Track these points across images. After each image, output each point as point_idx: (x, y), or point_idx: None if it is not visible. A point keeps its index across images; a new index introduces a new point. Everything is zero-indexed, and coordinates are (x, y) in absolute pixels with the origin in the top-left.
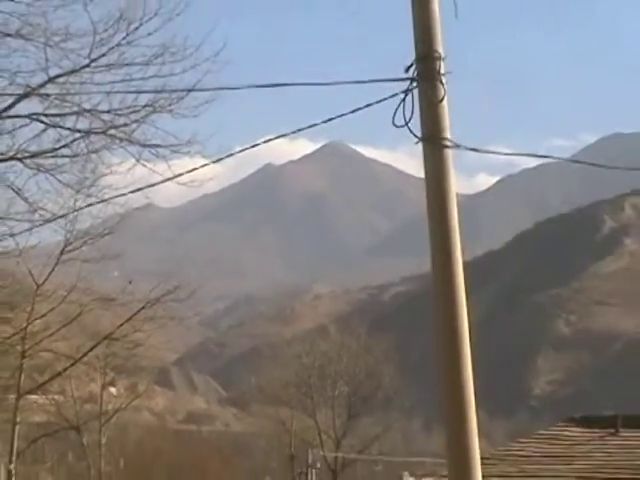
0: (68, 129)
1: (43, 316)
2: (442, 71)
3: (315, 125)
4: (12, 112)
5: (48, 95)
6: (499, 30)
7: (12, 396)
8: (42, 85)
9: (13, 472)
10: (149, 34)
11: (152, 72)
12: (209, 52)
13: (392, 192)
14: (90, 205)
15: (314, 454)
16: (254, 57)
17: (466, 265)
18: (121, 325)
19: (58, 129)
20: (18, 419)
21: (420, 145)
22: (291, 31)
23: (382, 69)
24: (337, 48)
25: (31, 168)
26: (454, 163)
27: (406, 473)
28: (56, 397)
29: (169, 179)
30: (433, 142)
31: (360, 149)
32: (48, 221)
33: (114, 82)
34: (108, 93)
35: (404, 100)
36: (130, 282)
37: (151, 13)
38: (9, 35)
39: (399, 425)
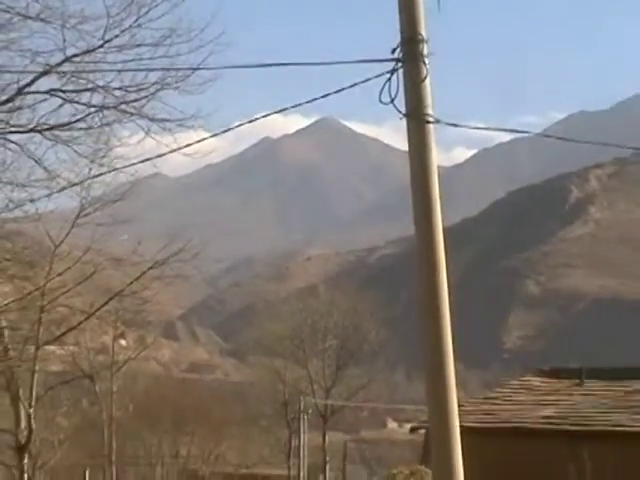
0: (83, 104)
1: (60, 274)
2: (425, 53)
3: (306, 102)
4: (32, 88)
5: (65, 73)
6: (486, 13)
7: (32, 347)
8: (60, 64)
9: (32, 415)
10: (158, 17)
11: (160, 52)
12: (212, 34)
13: (379, 164)
14: (103, 174)
15: (306, 401)
16: (253, 36)
17: (445, 231)
18: (131, 283)
19: (74, 104)
20: (37, 368)
21: (404, 121)
22: (290, 14)
23: (372, 48)
24: (331, 28)
25: (49, 140)
26: (435, 137)
27: (390, 419)
28: (71, 348)
29: (175, 150)
30: (416, 118)
31: (350, 124)
32: (64, 188)
33: (125, 61)
34: (120, 71)
35: (390, 79)
36: (139, 244)
37: (159, 4)
38: (30, 18)
39: (383, 375)
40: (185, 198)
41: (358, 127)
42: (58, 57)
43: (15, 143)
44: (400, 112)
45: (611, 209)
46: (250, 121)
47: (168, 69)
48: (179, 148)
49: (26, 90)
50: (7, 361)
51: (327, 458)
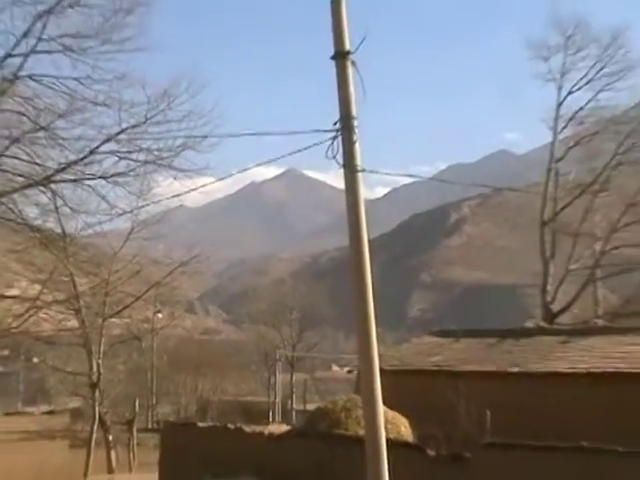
0: (133, 160)
1: (117, 272)
2: (355, 125)
3: (279, 158)
4: (100, 150)
5: (121, 140)
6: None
7: (100, 319)
8: (117, 134)
9: (100, 363)
10: (181, 103)
11: (183, 125)
12: (215, 114)
13: (328, 198)
14: (146, 205)
15: (280, 353)
16: (244, 107)
17: (369, 242)
18: (165, 277)
19: (127, 160)
20: (103, 333)
21: (342, 170)
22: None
23: (324, 118)
24: (294, 99)
25: (110, 183)
26: (362, 181)
27: (334, 364)
28: (126, 320)
29: (193, 190)
30: (349, 168)
31: (306, 172)
32: (121, 215)
33: (160, 132)
34: (156, 139)
35: (332, 142)
36: (170, 251)
37: (182, 91)
38: (98, 104)
39: (330, 335)
40: (199, 222)
41: (312, 174)
42: (116, 129)
43: (89, 186)
44: (339, 164)
45: (477, 227)
46: (240, 171)
47: (188, 137)
48: (196, 189)
49: (95, 151)
50: (84, 329)
51: (294, 390)
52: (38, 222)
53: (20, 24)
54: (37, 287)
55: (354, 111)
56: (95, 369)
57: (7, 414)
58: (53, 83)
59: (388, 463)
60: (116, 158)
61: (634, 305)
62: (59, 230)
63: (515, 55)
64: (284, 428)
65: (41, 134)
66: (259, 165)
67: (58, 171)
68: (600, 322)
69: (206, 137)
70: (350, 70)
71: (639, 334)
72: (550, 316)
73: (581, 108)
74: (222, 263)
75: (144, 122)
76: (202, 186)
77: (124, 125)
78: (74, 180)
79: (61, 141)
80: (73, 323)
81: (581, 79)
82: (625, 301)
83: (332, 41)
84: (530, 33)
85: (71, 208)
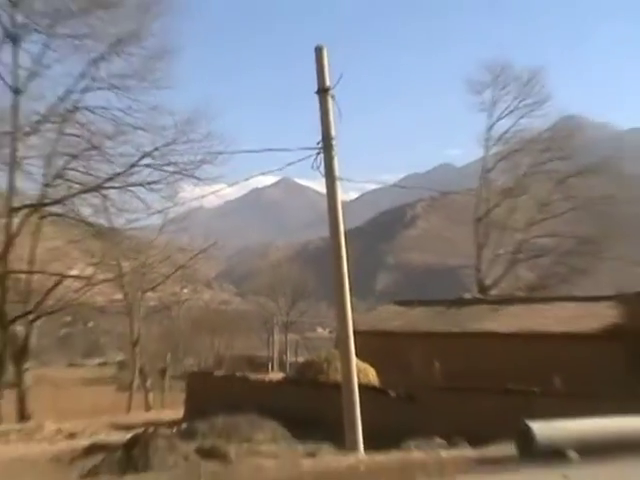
0: (164, 171)
1: (152, 257)
2: (334, 144)
3: (277, 170)
4: (139, 164)
5: (155, 156)
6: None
7: (139, 293)
8: (151, 152)
9: (139, 327)
10: (200, 127)
11: (203, 145)
12: (228, 134)
13: (314, 201)
14: (174, 206)
15: (276, 319)
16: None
17: (345, 233)
18: (188, 261)
19: (160, 170)
20: (142, 303)
21: (324, 179)
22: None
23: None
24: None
25: (147, 189)
26: (340, 187)
27: (319, 327)
28: (159, 294)
29: (210, 194)
30: (329, 177)
31: (298, 180)
32: (154, 214)
33: (185, 149)
34: (182, 154)
35: (316, 157)
36: (192, 240)
37: (201, 118)
38: (137, 128)
39: (314, 306)
40: (215, 219)
41: (302, 181)
42: (151, 148)
43: (131, 191)
44: (322, 174)
45: (428, 222)
46: (246, 179)
47: (207, 153)
48: (212, 193)
49: (135, 165)
50: (127, 300)
51: (288, 347)
52: (92, 219)
53: (79, 67)
54: (91, 269)
55: (333, 133)
56: (135, 332)
57: (70, 365)
58: (103, 112)
59: (360, 402)
60: (151, 170)
61: (545, 281)
62: (108, 225)
63: (456, 87)
64: (280, 376)
65: (94, 152)
66: (261, 174)
67: (107, 180)
68: (521, 294)
69: (221, 153)
70: (330, 102)
71: (549, 303)
72: (483, 290)
73: (506, 131)
74: (232, 250)
75: (173, 142)
76: (216, 191)
77: (157, 144)
78: (119, 187)
79: (109, 157)
80: (119, 296)
81: (506, 109)
82: (539, 278)
83: (316, 79)
84: (469, 71)
85: (117, 208)
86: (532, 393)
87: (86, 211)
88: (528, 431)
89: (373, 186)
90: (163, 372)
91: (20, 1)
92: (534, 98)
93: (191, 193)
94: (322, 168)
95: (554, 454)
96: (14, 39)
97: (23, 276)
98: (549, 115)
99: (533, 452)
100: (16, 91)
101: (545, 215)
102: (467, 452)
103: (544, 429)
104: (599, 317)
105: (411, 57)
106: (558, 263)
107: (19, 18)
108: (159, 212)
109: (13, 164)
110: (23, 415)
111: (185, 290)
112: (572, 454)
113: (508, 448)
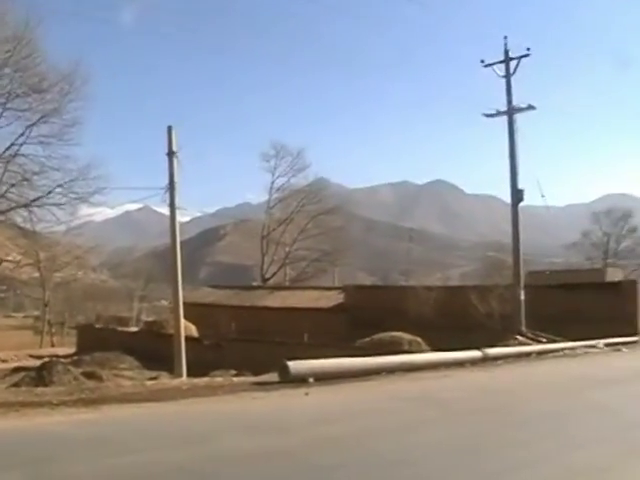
0: (69, 197)
1: (59, 250)
2: (175, 184)
3: (139, 199)
4: (53, 191)
5: (64, 187)
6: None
7: (50, 272)
8: (62, 184)
9: (49, 299)
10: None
11: (94, 181)
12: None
13: (165, 221)
14: (74, 219)
15: (137, 293)
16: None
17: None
18: (82, 253)
19: (66, 197)
20: (51, 279)
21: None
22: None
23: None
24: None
25: (58, 208)
26: (179, 213)
27: (163, 300)
28: (62, 273)
29: (98, 212)
30: (171, 207)
31: (154, 207)
32: (61, 223)
33: (83, 184)
34: (81, 187)
35: (165, 192)
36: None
37: (95, 166)
38: (54, 169)
39: (160, 286)
40: (101, 228)
41: (157, 208)
42: (62, 182)
43: (47, 209)
44: (167, 204)
45: (233, 237)
46: (121, 204)
47: (97, 187)
48: (98, 212)
49: (50, 192)
50: (41, 277)
51: (142, 312)
52: (22, 225)
53: (19, 129)
54: (20, 256)
55: (176, 179)
56: (46, 297)
57: (5, 316)
58: (33, 158)
59: (185, 347)
60: (61, 195)
61: (302, 276)
62: (31, 229)
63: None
64: (136, 329)
65: (25, 182)
66: (130, 202)
67: (33, 201)
68: (287, 284)
69: (104, 188)
70: (175, 161)
71: (303, 290)
72: (264, 280)
73: (282, 184)
74: (110, 248)
75: (76, 179)
76: (101, 211)
77: (66, 180)
78: (40, 205)
79: (35, 186)
80: (37, 274)
81: (283, 170)
82: (298, 275)
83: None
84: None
85: (38, 219)
86: (290, 343)
87: (18, 219)
88: (286, 366)
89: (199, 214)
90: (63, 324)
91: None
92: (299, 165)
93: (86, 211)
94: (168, 200)
95: (301, 380)
96: None
97: None
98: (308, 176)
99: (288, 379)
100: None
101: (303, 236)
102: (249, 378)
103: (296, 365)
104: (332, 299)
105: (222, 139)
106: (309, 266)
107: None
108: (64, 222)
109: None
110: None
111: (80, 273)
112: (311, 380)
113: (274, 377)
